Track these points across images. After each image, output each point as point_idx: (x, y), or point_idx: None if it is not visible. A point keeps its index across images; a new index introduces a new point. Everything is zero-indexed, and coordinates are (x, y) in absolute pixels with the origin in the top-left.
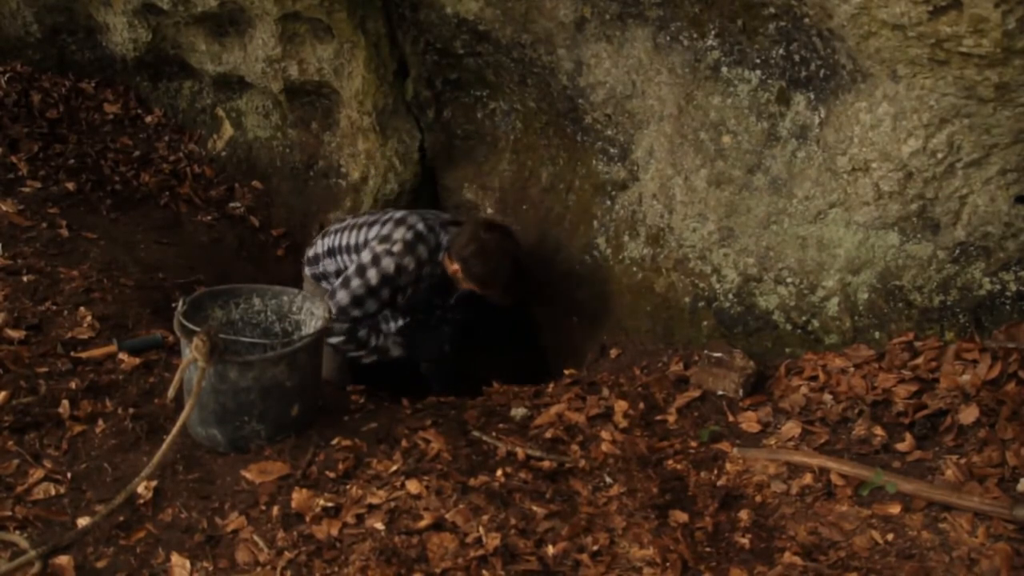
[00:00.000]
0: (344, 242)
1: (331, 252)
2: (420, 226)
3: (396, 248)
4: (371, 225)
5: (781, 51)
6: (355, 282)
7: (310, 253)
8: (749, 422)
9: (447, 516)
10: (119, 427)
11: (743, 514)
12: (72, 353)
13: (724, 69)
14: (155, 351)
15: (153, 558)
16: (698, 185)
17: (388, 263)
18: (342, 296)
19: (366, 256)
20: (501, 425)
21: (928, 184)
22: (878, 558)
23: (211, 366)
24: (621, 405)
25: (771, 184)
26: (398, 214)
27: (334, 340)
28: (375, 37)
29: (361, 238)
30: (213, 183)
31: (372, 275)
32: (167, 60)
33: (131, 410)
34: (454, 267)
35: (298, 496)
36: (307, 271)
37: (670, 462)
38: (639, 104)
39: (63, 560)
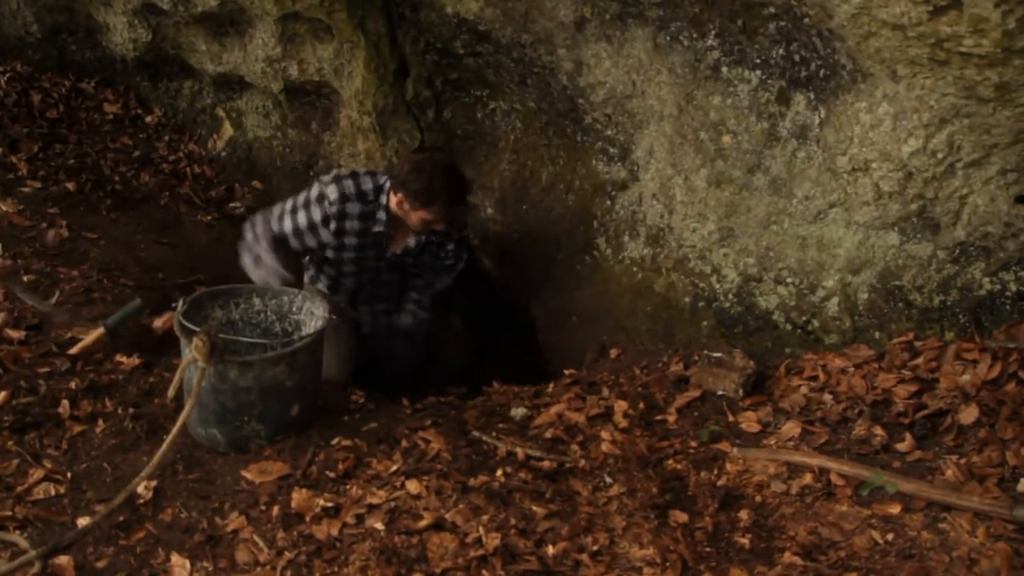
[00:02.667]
0: None
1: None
2: (360, 170)
3: (324, 179)
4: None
5: (781, 51)
6: (288, 202)
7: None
8: (749, 422)
9: (447, 516)
10: (119, 427)
11: (743, 514)
12: (68, 351)
13: (724, 69)
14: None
15: (153, 558)
16: (698, 185)
17: (314, 189)
18: (275, 210)
19: (289, 200)
20: (501, 425)
21: (928, 184)
22: (878, 558)
23: (211, 366)
24: (621, 405)
25: (771, 184)
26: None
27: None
28: (375, 37)
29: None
30: (213, 183)
31: (300, 198)
32: (167, 60)
33: (131, 410)
34: (397, 197)
35: (298, 496)
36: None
37: (670, 462)
38: (639, 104)
39: (63, 560)
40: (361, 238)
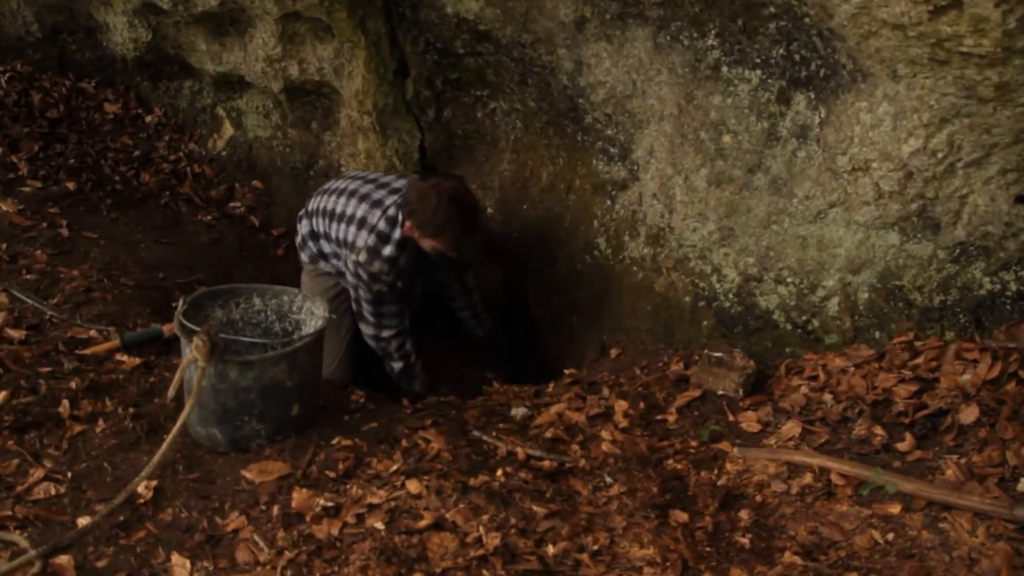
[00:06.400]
0: (324, 230)
1: (315, 236)
2: (381, 224)
3: (362, 258)
4: (341, 220)
5: (781, 51)
6: (364, 306)
7: (298, 239)
8: (749, 422)
9: (447, 516)
10: (119, 427)
11: (743, 514)
12: (77, 351)
13: (724, 69)
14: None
15: (153, 558)
16: (698, 185)
17: (364, 272)
18: (366, 329)
19: (351, 277)
20: (501, 425)
21: (928, 184)
22: (878, 558)
23: (211, 366)
24: (621, 405)
25: (771, 184)
26: (365, 197)
27: (396, 366)
28: (375, 37)
29: (339, 235)
30: (213, 183)
31: (362, 291)
32: (167, 60)
33: (131, 410)
34: (407, 224)
35: (298, 496)
36: (303, 256)
37: (670, 462)
38: (639, 104)
39: (63, 560)
40: (412, 256)
